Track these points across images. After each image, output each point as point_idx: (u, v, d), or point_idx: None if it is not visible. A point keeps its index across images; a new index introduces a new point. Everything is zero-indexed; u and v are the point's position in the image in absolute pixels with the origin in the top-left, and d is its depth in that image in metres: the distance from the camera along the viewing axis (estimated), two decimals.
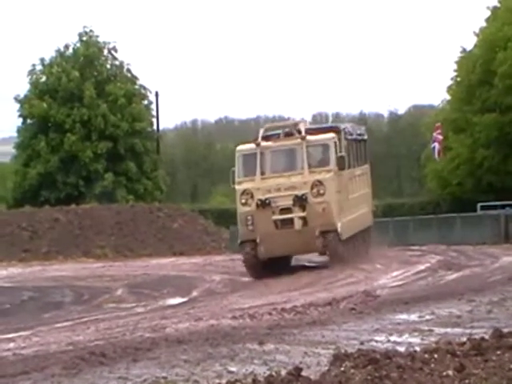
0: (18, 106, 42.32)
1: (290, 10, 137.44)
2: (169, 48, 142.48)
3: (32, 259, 32.72)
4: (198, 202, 50.44)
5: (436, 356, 7.74)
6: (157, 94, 43.98)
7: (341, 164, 21.10)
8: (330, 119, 65.19)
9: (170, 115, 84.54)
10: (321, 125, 25.96)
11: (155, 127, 43.99)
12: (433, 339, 9.93)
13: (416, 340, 10.20)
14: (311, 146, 21.12)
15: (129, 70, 43.55)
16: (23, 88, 42.63)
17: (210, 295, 19.03)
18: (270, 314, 13.86)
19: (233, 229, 27.94)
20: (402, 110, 63.23)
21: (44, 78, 42.31)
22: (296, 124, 22.13)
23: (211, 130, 70.37)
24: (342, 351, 8.57)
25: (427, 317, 12.27)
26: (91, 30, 42.96)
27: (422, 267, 21.63)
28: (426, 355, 7.81)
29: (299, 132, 21.37)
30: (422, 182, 47.00)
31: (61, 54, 42.92)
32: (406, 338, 10.48)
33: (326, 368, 7.93)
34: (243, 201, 20.58)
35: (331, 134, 21.51)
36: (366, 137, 25.19)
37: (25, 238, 34.31)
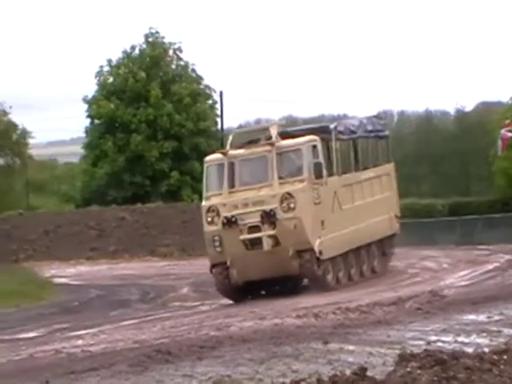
0: (86, 106, 42.93)
1: (353, 9, 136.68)
2: (233, 48, 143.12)
3: (99, 258, 33.19)
4: None
5: (505, 357, 7.55)
6: (221, 94, 44.15)
7: (318, 172, 17.90)
8: (396, 117, 64.53)
9: (234, 114, 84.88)
10: (302, 126, 21.48)
11: (219, 126, 44.15)
12: (502, 340, 9.70)
13: (484, 341, 9.99)
14: (282, 153, 17.97)
15: (193, 70, 43.80)
16: (91, 89, 43.25)
17: (275, 293, 18.98)
18: (334, 313, 13.75)
19: None
20: (469, 107, 62.30)
21: (111, 79, 42.84)
22: (266, 128, 19.14)
23: None
24: (408, 351, 8.42)
25: (496, 317, 12.01)
26: (157, 32, 43.40)
27: (490, 267, 21.24)
28: (495, 356, 7.63)
29: (269, 137, 18.31)
30: (490, 180, 46.19)
31: (127, 55, 43.39)
32: (473, 338, 10.27)
33: (392, 368, 7.80)
34: (209, 219, 17.88)
35: (307, 138, 18.35)
36: (386, 133, 21.63)
37: (92, 237, 34.86)
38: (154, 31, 43.27)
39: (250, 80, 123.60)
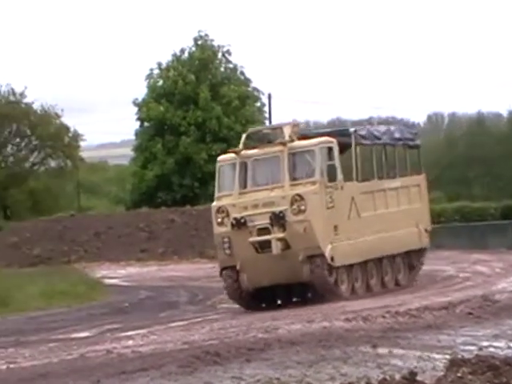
0: (136, 109, 43.32)
1: (407, 10, 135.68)
2: (282, 50, 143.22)
3: (149, 259, 33.44)
4: None
5: None
6: (269, 96, 44.21)
7: (331, 174, 17.21)
8: (446, 120, 63.88)
9: (282, 117, 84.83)
10: (324, 130, 20.59)
11: None
12: None
13: None
14: (295, 154, 17.33)
15: (242, 73, 43.92)
16: (141, 92, 43.63)
17: (322, 296, 18.90)
18: (383, 316, 13.65)
19: None
20: None
21: (161, 82, 43.15)
22: (280, 128, 18.21)
23: None
24: (459, 356, 8.33)
25: None
26: (206, 34, 43.61)
27: None
28: None
29: (283, 137, 17.58)
30: None
31: (177, 58, 43.67)
32: None
33: (442, 373, 7.72)
34: (219, 220, 17.20)
35: (321, 139, 17.70)
36: (417, 142, 20.60)
37: (142, 239, 35.15)
38: (203, 34, 43.52)
39: (299, 82, 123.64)
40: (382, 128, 20.12)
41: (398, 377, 7.74)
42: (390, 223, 18.78)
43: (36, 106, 50.30)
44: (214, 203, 17.62)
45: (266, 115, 44.35)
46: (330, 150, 17.57)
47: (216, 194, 17.81)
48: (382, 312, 14.18)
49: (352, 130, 18.71)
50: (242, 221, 16.83)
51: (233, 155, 17.67)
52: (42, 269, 31.30)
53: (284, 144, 17.28)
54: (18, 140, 51.30)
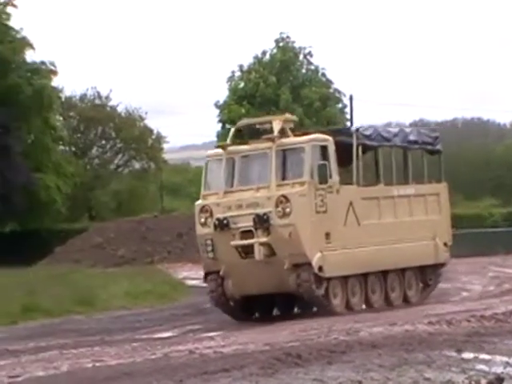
0: (217, 111, 43.74)
1: (493, 14, 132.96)
2: (363, 52, 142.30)
3: None
4: None
5: None
6: (351, 98, 44.05)
7: (322, 175, 15.40)
8: None
9: (363, 118, 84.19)
10: (324, 128, 18.02)
11: None
12: None
13: None
14: (285, 151, 15.68)
15: (324, 75, 43.86)
16: (223, 94, 44.02)
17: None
18: (468, 320, 13.41)
19: None
20: None
21: (242, 84, 43.47)
22: (270, 121, 16.34)
23: None
24: None
25: None
26: (288, 36, 43.79)
27: None
28: None
29: (271, 132, 15.91)
30: None
31: (258, 60, 43.89)
32: None
33: None
34: (202, 220, 15.72)
35: (313, 136, 16.10)
36: (437, 147, 18.34)
37: None
38: (284, 36, 43.64)
39: (381, 83, 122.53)
40: (394, 129, 18.34)
41: (483, 382, 7.59)
42: (399, 234, 16.97)
43: (120, 109, 51.32)
44: (198, 202, 16.09)
45: (348, 116, 44.19)
46: (324, 148, 15.82)
47: (202, 192, 16.22)
48: (467, 316, 13.94)
49: (354, 128, 17.08)
50: (225, 222, 15.35)
51: (220, 151, 16.12)
52: (126, 269, 31.82)
53: (272, 140, 15.60)
54: (103, 142, 52.40)
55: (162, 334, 15.56)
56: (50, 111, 43.34)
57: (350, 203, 16.09)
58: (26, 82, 38.57)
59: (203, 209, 15.76)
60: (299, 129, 45.66)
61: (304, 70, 43.80)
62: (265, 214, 15.19)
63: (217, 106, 43.61)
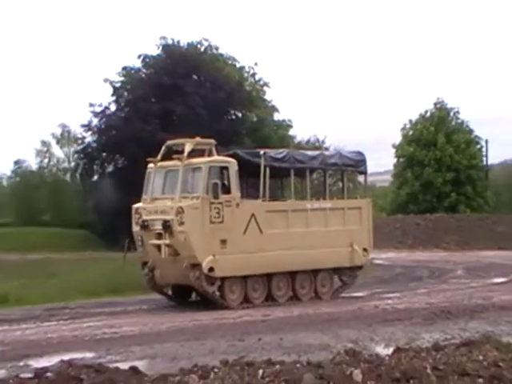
0: (393, 150, 44.45)
1: None
2: (500, 100, 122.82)
3: (402, 248, 33.19)
4: None
5: None
6: (486, 141, 43.73)
7: (214, 192, 13.03)
8: None
9: (496, 156, 76.61)
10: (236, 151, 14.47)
11: (485, 162, 43.06)
12: None
13: None
14: (190, 169, 13.46)
15: (467, 126, 42.86)
16: (397, 138, 44.40)
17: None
18: None
19: None
20: None
21: (411, 132, 43.88)
22: (183, 144, 14.01)
23: None
24: None
25: None
26: (443, 100, 43.98)
27: None
28: None
29: (182, 152, 13.77)
30: None
31: (422, 116, 44.30)
32: None
33: None
34: (135, 220, 13.88)
35: (211, 158, 13.58)
36: (360, 169, 15.34)
37: (398, 235, 35.26)
38: (440, 100, 43.90)
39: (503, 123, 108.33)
40: (313, 153, 15.09)
41: None
42: (310, 241, 14.04)
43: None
44: (136, 204, 14.14)
45: (484, 153, 42.97)
46: (224, 168, 13.38)
47: (142, 197, 14.23)
48: None
49: (262, 152, 13.92)
50: (146, 224, 13.60)
51: (152, 165, 14.20)
52: None
53: (180, 160, 13.52)
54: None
55: (357, 294, 15.60)
56: None
57: (253, 215, 13.56)
58: (273, 133, 39.93)
59: (136, 211, 13.93)
60: (451, 161, 43.91)
61: (453, 123, 43.58)
62: (168, 221, 13.24)
63: (393, 146, 44.05)
